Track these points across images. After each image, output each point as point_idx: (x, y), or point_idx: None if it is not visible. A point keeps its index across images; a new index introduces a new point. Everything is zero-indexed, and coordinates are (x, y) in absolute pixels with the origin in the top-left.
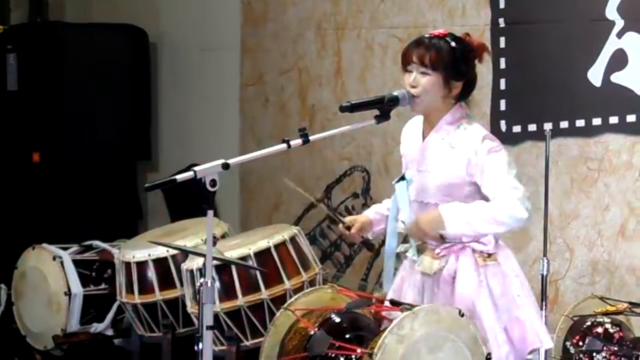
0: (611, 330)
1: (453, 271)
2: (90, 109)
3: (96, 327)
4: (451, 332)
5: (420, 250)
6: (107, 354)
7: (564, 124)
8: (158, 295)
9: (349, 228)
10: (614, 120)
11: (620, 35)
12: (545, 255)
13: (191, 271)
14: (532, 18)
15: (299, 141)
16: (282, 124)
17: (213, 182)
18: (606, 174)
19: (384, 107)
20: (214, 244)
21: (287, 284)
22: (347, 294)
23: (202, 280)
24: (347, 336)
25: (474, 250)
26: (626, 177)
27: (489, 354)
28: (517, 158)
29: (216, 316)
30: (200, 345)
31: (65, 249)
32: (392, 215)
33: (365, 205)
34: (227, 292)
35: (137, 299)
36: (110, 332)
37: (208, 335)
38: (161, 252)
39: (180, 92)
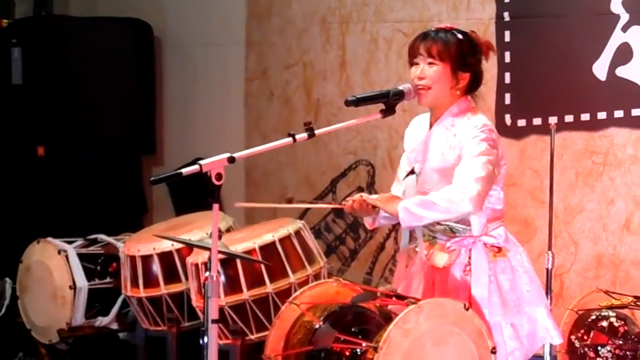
0: (616, 324)
1: (464, 265)
2: (94, 102)
3: (101, 321)
4: (456, 325)
5: (431, 243)
6: (112, 347)
7: (569, 118)
8: (163, 289)
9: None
10: (619, 114)
11: (625, 29)
12: (550, 249)
13: (196, 265)
14: (537, 12)
15: (304, 135)
16: (287, 118)
17: (219, 176)
18: (611, 168)
19: (390, 101)
20: (219, 237)
21: (292, 278)
22: (352, 287)
23: (207, 274)
24: (352, 330)
25: (484, 244)
26: (631, 171)
27: (494, 347)
28: (521, 152)
29: (221, 310)
30: (206, 339)
31: (70, 242)
32: None
33: None
34: (232, 286)
35: (142, 292)
36: (115, 326)
37: (213, 329)
38: (166, 245)
39: (185, 86)
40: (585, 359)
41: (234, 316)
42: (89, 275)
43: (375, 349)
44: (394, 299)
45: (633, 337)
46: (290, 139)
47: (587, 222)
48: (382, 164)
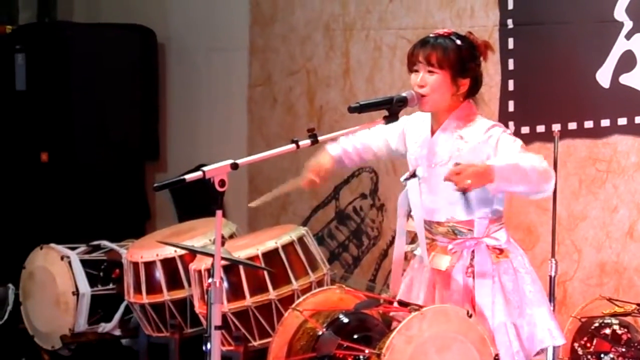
0: (619, 332)
1: (465, 267)
2: (98, 108)
3: (104, 327)
4: (459, 332)
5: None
6: (114, 354)
7: (573, 125)
8: (166, 296)
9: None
10: (622, 121)
11: (629, 36)
12: (553, 256)
13: (199, 271)
14: (540, 19)
15: (307, 142)
16: (290, 125)
17: (222, 182)
18: (615, 175)
19: (393, 107)
20: (222, 244)
21: (295, 285)
22: (355, 294)
23: (210, 280)
24: (355, 337)
25: (487, 246)
26: (635, 179)
27: (497, 354)
28: None
29: (224, 316)
30: (209, 346)
31: (73, 248)
32: (401, 213)
33: (373, 206)
34: (235, 293)
35: (145, 299)
36: (118, 332)
37: (216, 336)
38: (169, 252)
39: (188, 93)
40: None
41: (237, 323)
42: (92, 281)
43: (378, 356)
44: (396, 305)
45: (636, 344)
46: (293, 146)
47: (590, 230)
48: (385, 171)
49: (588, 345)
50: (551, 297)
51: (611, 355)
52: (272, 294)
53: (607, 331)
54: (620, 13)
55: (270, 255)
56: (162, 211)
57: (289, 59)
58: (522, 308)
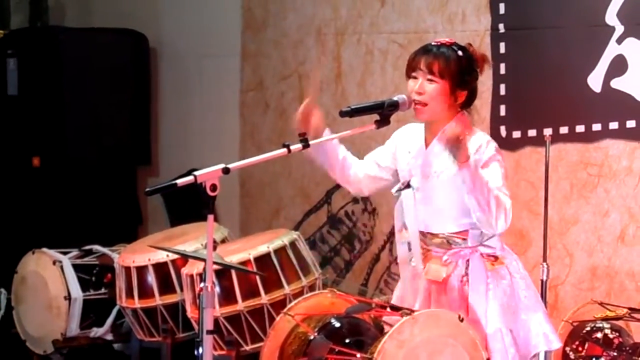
0: (611, 336)
1: (461, 276)
2: (90, 113)
3: (96, 332)
4: (451, 337)
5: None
6: (106, 358)
7: (564, 130)
8: (158, 300)
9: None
10: (613, 125)
11: (620, 41)
12: (545, 260)
13: (191, 276)
14: (532, 23)
15: (299, 146)
16: (282, 130)
17: (213, 187)
18: (606, 180)
19: (384, 112)
20: (214, 248)
21: (287, 289)
22: (346, 299)
23: (202, 285)
24: (347, 341)
25: (481, 254)
26: (626, 183)
27: (488, 358)
28: (516, 164)
29: (216, 321)
30: (201, 350)
31: (65, 253)
32: (398, 224)
33: (365, 210)
34: (227, 297)
35: (137, 303)
36: (110, 337)
37: (208, 340)
38: (161, 256)
39: (180, 97)
40: None
41: (229, 327)
42: (84, 286)
43: None
44: (388, 310)
45: (628, 348)
46: (285, 150)
47: (582, 234)
48: None
49: (580, 349)
50: (543, 301)
51: (603, 359)
52: (264, 299)
53: (599, 335)
54: (611, 17)
55: (262, 260)
56: (154, 216)
57: (281, 64)
58: (517, 313)
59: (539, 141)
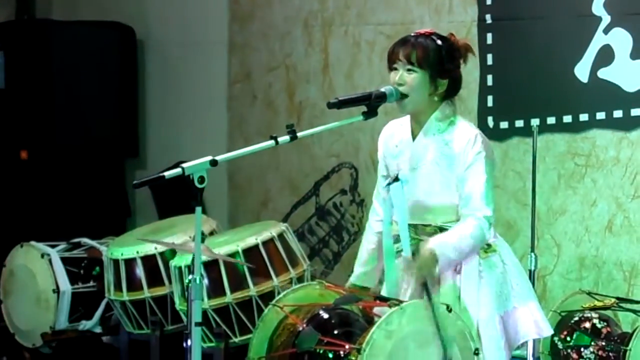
0: (599, 326)
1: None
2: (77, 106)
3: (85, 325)
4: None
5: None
6: (95, 351)
7: (551, 120)
8: (146, 293)
9: None
10: (600, 115)
11: (606, 31)
12: (533, 250)
13: (179, 268)
14: (518, 14)
15: (286, 138)
16: (270, 121)
17: (201, 179)
18: (593, 170)
19: (372, 103)
20: (202, 240)
21: (275, 281)
22: (335, 290)
23: (190, 277)
24: (336, 332)
25: None
26: (613, 173)
27: (477, 349)
28: (504, 154)
29: (204, 313)
30: (189, 342)
31: (53, 246)
32: (386, 218)
33: (353, 202)
34: (215, 289)
35: (126, 296)
36: (98, 330)
37: (197, 332)
38: (149, 249)
39: (167, 90)
40: None
41: (218, 319)
42: (73, 278)
43: (359, 351)
44: (377, 301)
45: (616, 338)
46: (272, 142)
47: (569, 224)
48: (365, 167)
49: (568, 339)
50: None
51: (591, 349)
52: (253, 290)
53: (587, 325)
54: (598, 7)
55: (251, 252)
56: (143, 208)
57: (268, 56)
58: (510, 301)
59: (527, 131)
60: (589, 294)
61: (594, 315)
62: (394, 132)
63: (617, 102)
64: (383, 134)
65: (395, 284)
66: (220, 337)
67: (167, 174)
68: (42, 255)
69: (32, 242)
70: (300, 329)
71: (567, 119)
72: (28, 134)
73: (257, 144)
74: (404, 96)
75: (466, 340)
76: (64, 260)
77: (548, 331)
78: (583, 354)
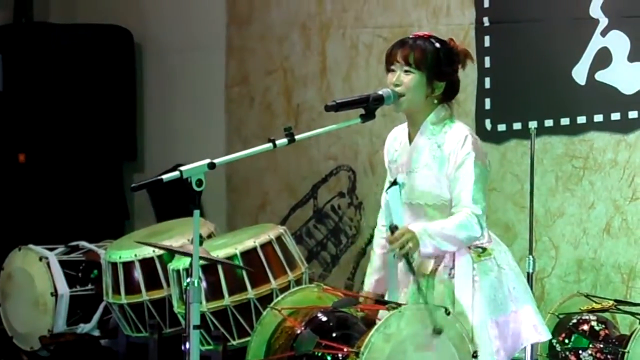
0: (597, 328)
1: (449, 268)
2: (75, 109)
3: (83, 328)
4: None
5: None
6: (93, 354)
7: (549, 122)
8: (145, 296)
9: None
10: (598, 118)
11: (604, 33)
12: (531, 253)
13: (177, 271)
14: (516, 17)
15: (284, 140)
16: (268, 124)
17: (199, 182)
18: (591, 172)
19: (370, 106)
20: (200, 243)
21: (274, 284)
22: (333, 293)
23: (189, 280)
24: (334, 335)
25: (468, 246)
26: (611, 175)
27: (475, 351)
28: (502, 156)
29: (203, 316)
30: (188, 345)
31: (51, 249)
32: (387, 222)
33: (351, 205)
34: (214, 292)
35: (124, 299)
36: (97, 333)
37: (195, 335)
38: (147, 252)
39: (165, 93)
40: None
41: (216, 322)
42: (71, 282)
43: (357, 354)
44: (375, 304)
45: (614, 340)
46: (270, 145)
47: (567, 227)
48: (363, 169)
49: (566, 341)
50: None
51: (589, 352)
52: (251, 293)
53: (585, 327)
54: (595, 10)
55: (249, 255)
56: (141, 211)
57: (265, 59)
58: (506, 305)
59: (524, 134)
60: (587, 296)
61: (592, 317)
62: (396, 137)
63: (614, 105)
64: (387, 141)
65: (395, 288)
66: (218, 340)
67: (165, 177)
68: (40, 259)
69: (30, 245)
70: (299, 331)
71: (565, 121)
72: (26, 137)
73: (255, 147)
74: (400, 96)
75: (464, 343)
76: (62, 263)
77: (547, 335)
78: (581, 356)
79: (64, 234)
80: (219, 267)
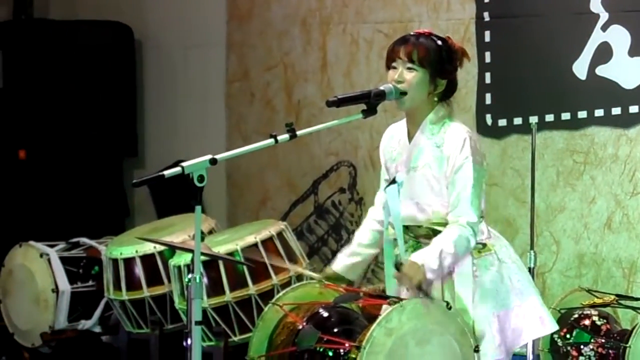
0: (598, 323)
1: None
2: (76, 105)
3: (84, 324)
4: (439, 324)
5: (415, 249)
6: (95, 350)
7: (550, 117)
8: (146, 292)
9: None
10: (599, 113)
11: (604, 28)
12: (532, 248)
13: (179, 267)
14: (516, 12)
15: (286, 136)
16: (268, 120)
17: (201, 178)
18: (592, 167)
19: (371, 101)
20: (202, 239)
21: (275, 279)
22: (334, 288)
23: (190, 276)
24: (336, 330)
25: None
26: (612, 170)
27: (477, 345)
28: (503, 152)
29: (204, 312)
30: (189, 341)
31: (52, 246)
32: (385, 222)
33: (352, 200)
34: (215, 288)
35: (125, 295)
36: (98, 329)
37: (196, 331)
38: (148, 248)
39: (166, 89)
40: (568, 358)
41: (217, 318)
42: (72, 278)
43: (359, 349)
44: (376, 299)
45: (615, 335)
46: (272, 140)
47: (568, 221)
48: (363, 165)
49: (568, 336)
50: None
51: (591, 346)
52: (252, 289)
53: (587, 322)
54: (596, 5)
55: (250, 251)
56: (141, 208)
57: (266, 54)
58: (509, 299)
59: (525, 129)
60: (589, 291)
61: (594, 312)
62: (393, 135)
63: (615, 99)
64: (383, 140)
65: (395, 288)
66: (219, 336)
67: (166, 172)
68: (41, 255)
69: (31, 242)
70: (300, 327)
71: (566, 116)
72: (26, 134)
73: (256, 142)
74: (402, 94)
75: (466, 337)
76: (63, 259)
77: (553, 327)
78: (583, 351)
79: (65, 230)
80: (220, 263)
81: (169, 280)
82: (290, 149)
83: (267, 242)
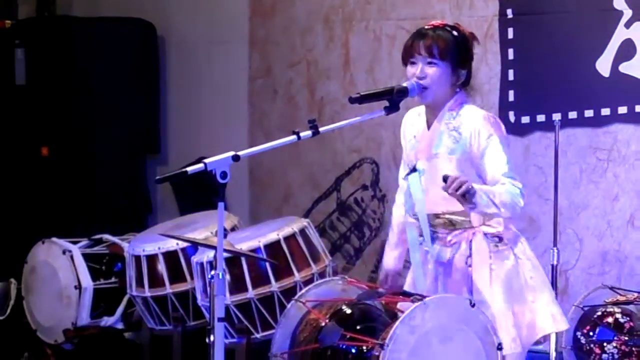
0: (622, 320)
1: (465, 257)
2: (98, 102)
3: (106, 321)
4: (462, 322)
5: (432, 240)
6: (117, 347)
7: (573, 114)
8: (168, 288)
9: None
10: (622, 110)
11: (628, 25)
12: (555, 245)
13: (201, 264)
14: (540, 8)
15: (308, 133)
16: (291, 117)
17: (223, 174)
18: (615, 164)
19: (393, 98)
20: (225, 236)
21: (297, 276)
22: (357, 285)
23: (212, 272)
24: (358, 327)
25: (485, 234)
26: (635, 167)
27: (500, 343)
28: (526, 149)
29: (226, 309)
30: (212, 338)
31: (75, 242)
32: (409, 210)
33: (375, 197)
34: (237, 285)
35: (148, 292)
36: (120, 326)
37: (219, 328)
38: (171, 245)
39: (188, 86)
40: (591, 355)
41: (240, 315)
42: (94, 275)
43: (382, 346)
44: (399, 296)
45: (639, 332)
46: (294, 137)
47: (591, 219)
48: (386, 162)
49: (590, 333)
50: (553, 286)
51: (614, 344)
52: (275, 286)
53: (610, 320)
54: (619, 2)
55: (272, 247)
56: (164, 204)
57: (289, 51)
58: (523, 295)
59: (548, 126)
60: (612, 288)
61: (617, 310)
62: (412, 122)
63: (639, 96)
64: (404, 124)
65: (421, 275)
66: (242, 333)
67: (189, 169)
68: (64, 252)
69: (54, 239)
70: (323, 324)
71: (589, 113)
72: (49, 131)
73: (278, 139)
74: (425, 89)
75: (489, 334)
76: (86, 256)
77: (564, 325)
78: (606, 348)
79: (87, 227)
80: (243, 260)
81: (192, 277)
82: (312, 146)
83: (290, 239)
